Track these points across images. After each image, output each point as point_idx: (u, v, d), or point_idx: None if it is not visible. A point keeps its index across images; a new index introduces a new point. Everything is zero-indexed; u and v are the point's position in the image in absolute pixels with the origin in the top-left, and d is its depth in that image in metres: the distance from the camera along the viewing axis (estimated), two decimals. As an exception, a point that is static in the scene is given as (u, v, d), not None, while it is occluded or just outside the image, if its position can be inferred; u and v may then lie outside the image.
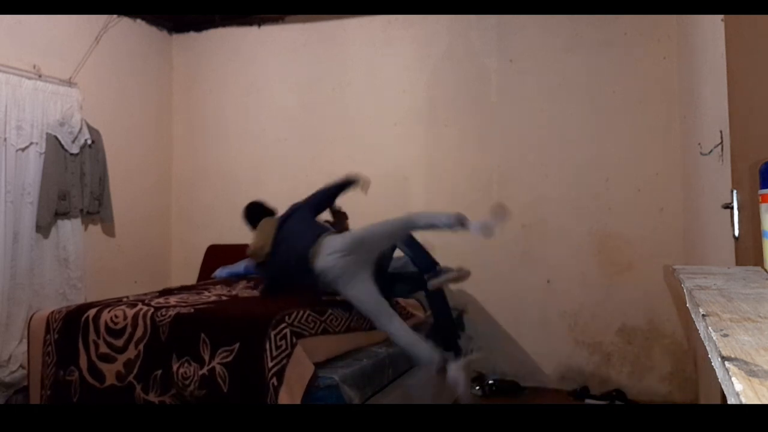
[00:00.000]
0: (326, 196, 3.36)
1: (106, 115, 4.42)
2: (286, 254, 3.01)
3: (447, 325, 3.29)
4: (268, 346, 2.44)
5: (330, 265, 2.79)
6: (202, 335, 2.57)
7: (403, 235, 3.24)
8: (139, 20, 4.78)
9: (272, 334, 2.47)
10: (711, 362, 0.53)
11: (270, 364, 2.42)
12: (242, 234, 4.90)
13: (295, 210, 3.23)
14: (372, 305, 2.83)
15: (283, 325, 2.51)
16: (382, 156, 4.48)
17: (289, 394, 2.37)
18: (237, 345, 2.50)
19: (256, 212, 3.45)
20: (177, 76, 5.14)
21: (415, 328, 3.10)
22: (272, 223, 3.19)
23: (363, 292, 2.83)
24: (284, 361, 2.42)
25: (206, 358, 2.53)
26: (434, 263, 3.26)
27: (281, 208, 4.78)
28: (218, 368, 2.49)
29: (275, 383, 2.39)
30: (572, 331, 4.01)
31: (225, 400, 2.46)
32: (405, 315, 3.32)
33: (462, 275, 3.19)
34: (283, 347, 2.45)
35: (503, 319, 4.15)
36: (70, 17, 4.11)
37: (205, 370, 2.52)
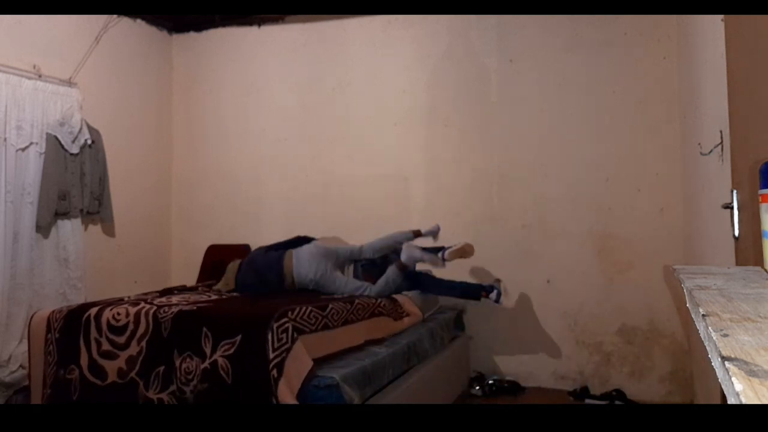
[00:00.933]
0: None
1: (106, 115, 4.42)
2: (251, 276, 3.51)
3: (457, 287, 3.72)
4: (270, 337, 2.46)
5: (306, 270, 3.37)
6: (204, 329, 2.59)
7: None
8: (139, 20, 4.78)
9: (275, 326, 2.49)
10: (711, 362, 0.53)
11: (271, 356, 2.44)
12: (242, 234, 4.92)
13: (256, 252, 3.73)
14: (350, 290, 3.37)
15: (284, 320, 2.54)
16: (382, 156, 4.48)
17: (288, 387, 2.39)
18: (239, 337, 2.52)
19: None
20: (177, 76, 5.14)
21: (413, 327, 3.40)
22: (234, 265, 3.66)
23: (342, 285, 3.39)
24: (284, 355, 2.45)
25: (208, 351, 2.55)
26: (480, 285, 3.72)
27: (281, 207, 4.80)
28: (221, 361, 2.51)
29: (275, 375, 2.41)
30: (572, 331, 4.01)
31: (229, 392, 2.48)
32: (402, 314, 3.36)
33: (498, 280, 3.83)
34: (284, 341, 2.48)
35: (503, 319, 4.15)
36: (70, 17, 4.11)
37: (207, 364, 2.53)
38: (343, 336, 2.81)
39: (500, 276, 4.13)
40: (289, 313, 2.60)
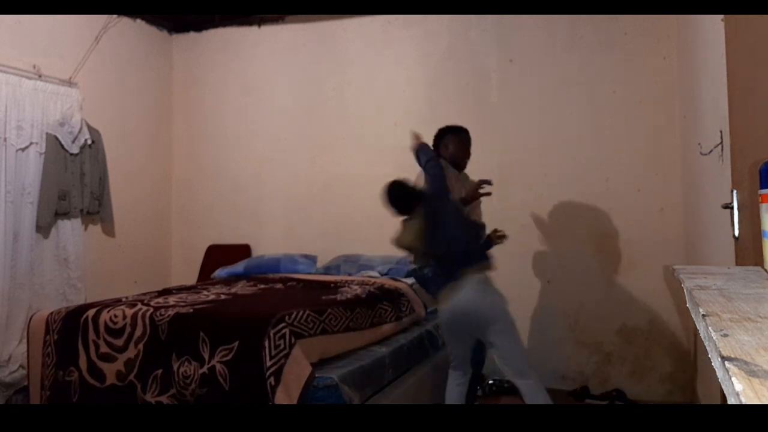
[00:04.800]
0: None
1: (106, 115, 4.42)
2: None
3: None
4: (267, 344, 2.43)
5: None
6: (201, 334, 2.56)
7: None
8: (139, 20, 4.78)
9: (271, 332, 2.46)
10: (711, 362, 0.53)
11: (268, 363, 2.41)
12: (242, 234, 4.91)
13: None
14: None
15: (282, 325, 2.50)
16: (382, 156, 4.48)
17: (286, 395, 2.37)
18: (236, 343, 2.49)
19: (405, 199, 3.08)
20: (177, 76, 5.14)
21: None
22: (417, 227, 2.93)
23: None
24: (282, 361, 2.41)
25: (206, 356, 2.53)
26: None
27: (281, 207, 4.80)
28: (218, 366, 2.49)
29: (272, 383, 2.38)
30: (572, 331, 4.01)
31: (227, 398, 2.46)
32: (403, 314, 3.30)
33: None
34: (282, 347, 2.44)
35: (503, 319, 4.15)
36: (70, 17, 4.11)
37: (205, 369, 2.51)
38: (343, 341, 2.78)
39: (500, 276, 4.12)
40: (287, 317, 2.55)
